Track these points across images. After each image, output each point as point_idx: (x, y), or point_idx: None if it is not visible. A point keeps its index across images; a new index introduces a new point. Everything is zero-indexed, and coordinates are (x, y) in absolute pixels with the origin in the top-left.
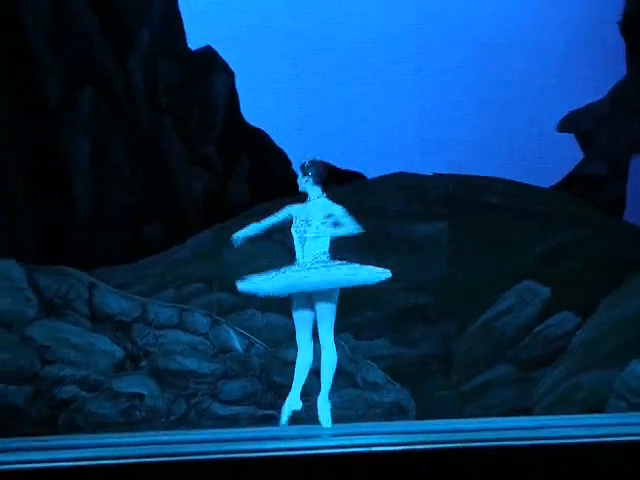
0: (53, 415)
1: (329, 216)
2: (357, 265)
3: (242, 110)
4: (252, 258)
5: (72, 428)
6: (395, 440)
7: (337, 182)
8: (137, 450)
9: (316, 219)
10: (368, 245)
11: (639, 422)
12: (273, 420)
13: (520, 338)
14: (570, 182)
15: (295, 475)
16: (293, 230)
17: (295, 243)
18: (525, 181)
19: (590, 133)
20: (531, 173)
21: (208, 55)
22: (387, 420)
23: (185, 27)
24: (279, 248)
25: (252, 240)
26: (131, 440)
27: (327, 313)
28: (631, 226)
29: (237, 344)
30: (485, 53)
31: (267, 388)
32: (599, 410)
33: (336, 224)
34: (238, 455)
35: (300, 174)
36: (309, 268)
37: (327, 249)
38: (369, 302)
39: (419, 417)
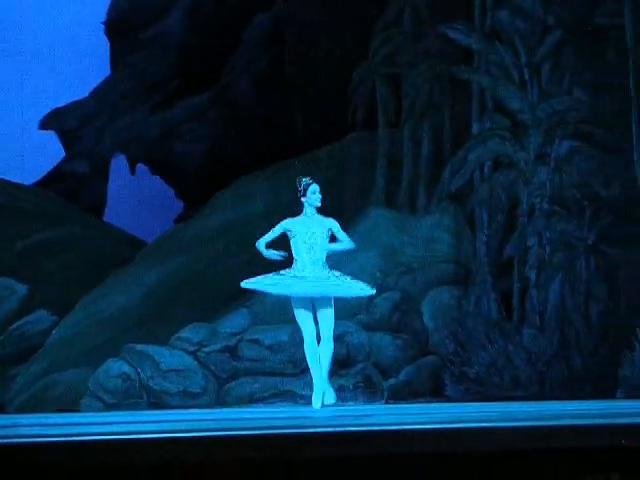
0: None
1: (329, 230)
2: (346, 279)
3: None
4: None
5: None
6: None
7: None
8: None
9: (319, 232)
10: None
11: (114, 421)
12: None
13: None
14: (51, 180)
15: None
16: (300, 241)
17: (300, 251)
18: (5, 178)
19: (74, 131)
20: (11, 170)
21: None
22: None
23: None
24: None
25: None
26: None
27: (328, 314)
28: (111, 225)
29: None
30: None
31: None
32: (76, 409)
33: (334, 238)
34: None
35: (300, 194)
36: (316, 279)
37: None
38: None
39: None
